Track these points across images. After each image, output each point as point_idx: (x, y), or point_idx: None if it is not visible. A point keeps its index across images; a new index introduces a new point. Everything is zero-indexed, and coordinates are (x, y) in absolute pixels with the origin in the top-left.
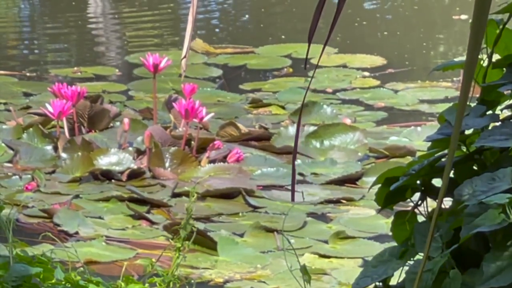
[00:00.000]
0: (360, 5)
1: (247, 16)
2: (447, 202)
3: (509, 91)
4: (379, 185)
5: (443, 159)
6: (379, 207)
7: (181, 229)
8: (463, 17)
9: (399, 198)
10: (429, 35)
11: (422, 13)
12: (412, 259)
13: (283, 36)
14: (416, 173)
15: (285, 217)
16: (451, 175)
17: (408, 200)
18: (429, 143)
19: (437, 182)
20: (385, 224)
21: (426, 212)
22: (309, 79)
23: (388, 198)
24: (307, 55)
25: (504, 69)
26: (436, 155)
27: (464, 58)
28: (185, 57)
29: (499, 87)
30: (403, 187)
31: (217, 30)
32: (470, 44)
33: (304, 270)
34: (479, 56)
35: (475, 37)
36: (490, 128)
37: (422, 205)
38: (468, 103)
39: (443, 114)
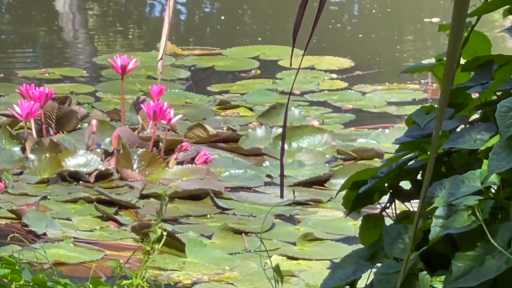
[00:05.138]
0: (333, 7)
1: (222, 17)
2: (415, 204)
3: (477, 94)
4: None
5: (411, 162)
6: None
7: (151, 232)
8: (434, 20)
9: (367, 201)
10: (400, 37)
11: (394, 16)
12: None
13: (259, 38)
14: (384, 176)
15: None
16: (419, 177)
17: (376, 203)
18: (397, 145)
19: (405, 184)
20: (353, 226)
21: (394, 215)
22: (277, 81)
23: (356, 201)
24: (292, 55)
25: (472, 72)
26: (404, 157)
27: (433, 60)
28: (161, 59)
29: (467, 89)
30: (371, 190)
31: (185, 31)
32: (449, 46)
33: (277, 270)
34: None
35: (454, 40)
36: (458, 130)
37: (390, 207)
38: (435, 105)
39: (411, 116)
